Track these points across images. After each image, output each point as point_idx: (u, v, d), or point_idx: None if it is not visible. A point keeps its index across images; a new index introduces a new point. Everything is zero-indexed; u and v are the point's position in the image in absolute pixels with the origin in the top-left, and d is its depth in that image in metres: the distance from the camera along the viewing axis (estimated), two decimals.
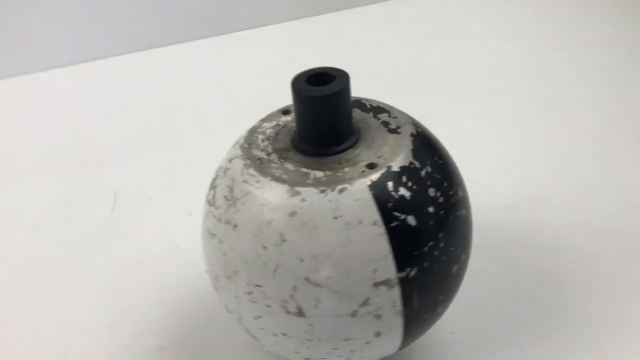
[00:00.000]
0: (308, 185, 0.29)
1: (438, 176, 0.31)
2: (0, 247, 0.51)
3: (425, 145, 0.32)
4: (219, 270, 0.32)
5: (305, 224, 0.29)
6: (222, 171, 0.33)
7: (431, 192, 0.30)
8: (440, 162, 0.32)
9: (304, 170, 0.30)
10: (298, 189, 0.29)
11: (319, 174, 0.30)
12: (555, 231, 0.46)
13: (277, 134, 0.33)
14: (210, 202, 0.33)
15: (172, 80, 0.74)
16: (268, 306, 0.30)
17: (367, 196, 0.29)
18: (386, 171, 0.29)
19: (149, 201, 0.55)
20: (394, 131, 0.32)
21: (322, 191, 0.29)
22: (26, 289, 0.47)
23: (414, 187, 0.30)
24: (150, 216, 0.53)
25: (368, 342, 0.30)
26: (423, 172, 0.30)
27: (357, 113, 0.34)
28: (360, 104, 0.34)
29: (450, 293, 0.33)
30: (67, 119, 0.69)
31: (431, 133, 0.34)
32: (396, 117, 0.33)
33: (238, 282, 0.31)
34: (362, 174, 0.29)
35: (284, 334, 0.31)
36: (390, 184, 0.29)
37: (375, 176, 0.29)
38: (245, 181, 0.31)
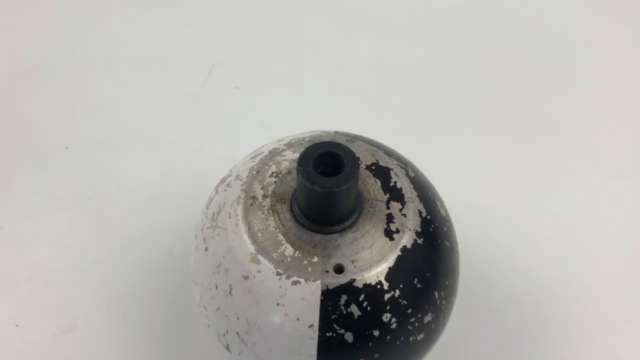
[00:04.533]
0: (270, 260, 0.29)
1: (404, 302, 0.29)
2: None
3: (412, 264, 0.30)
4: (190, 263, 0.34)
5: (250, 293, 0.29)
6: (226, 184, 0.33)
7: (385, 317, 0.29)
8: (420, 285, 0.30)
9: (280, 237, 0.30)
10: (260, 258, 0.29)
11: (289, 250, 0.29)
12: None
13: (289, 172, 0.32)
14: (207, 204, 0.34)
15: None
16: (208, 326, 0.32)
17: (316, 300, 0.29)
18: (347, 283, 0.29)
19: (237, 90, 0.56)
20: (389, 234, 0.30)
21: (278, 274, 0.29)
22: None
23: (368, 308, 0.29)
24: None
25: None
26: (387, 296, 0.29)
27: (375, 188, 0.31)
28: (386, 174, 0.32)
29: None
30: None
31: (441, 242, 0.31)
32: (404, 216, 0.31)
33: (195, 290, 0.33)
34: (324, 275, 0.29)
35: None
36: (344, 298, 0.29)
37: (333, 283, 0.29)
38: (229, 215, 0.31)
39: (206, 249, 0.32)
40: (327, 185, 0.27)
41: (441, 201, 0.34)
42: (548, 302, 0.43)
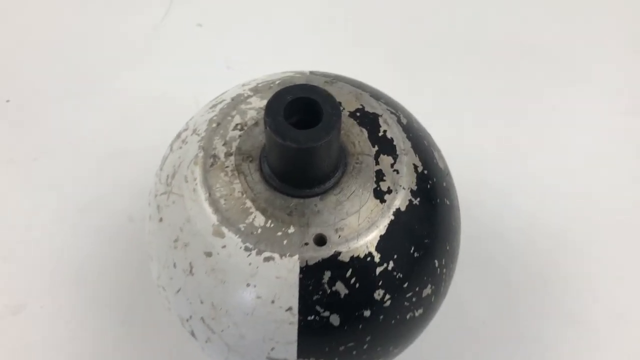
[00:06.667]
0: (237, 232, 0.24)
1: (399, 275, 0.25)
2: None
3: (407, 229, 0.25)
4: (145, 234, 0.29)
5: (214, 272, 0.24)
6: (182, 140, 0.27)
7: (378, 294, 0.24)
8: (417, 254, 0.25)
9: (248, 204, 0.24)
10: (225, 230, 0.24)
11: (259, 219, 0.24)
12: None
13: (256, 123, 0.27)
14: (161, 165, 0.28)
15: None
16: (168, 309, 0.28)
17: (293, 279, 0.24)
18: (331, 257, 0.24)
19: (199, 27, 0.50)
20: (380, 195, 0.25)
21: (246, 249, 0.24)
22: None
23: (356, 285, 0.24)
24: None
25: None
26: (379, 270, 0.24)
27: (361, 139, 0.26)
28: (374, 122, 0.26)
29: None
30: None
31: (440, 200, 0.26)
32: (397, 172, 0.25)
33: (152, 266, 0.28)
34: (302, 248, 0.24)
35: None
36: (327, 275, 0.24)
37: (314, 258, 0.24)
38: (185, 179, 0.26)
39: (160, 219, 0.26)
40: (302, 139, 0.22)
41: (439, 151, 0.29)
42: (556, 253, 0.39)
